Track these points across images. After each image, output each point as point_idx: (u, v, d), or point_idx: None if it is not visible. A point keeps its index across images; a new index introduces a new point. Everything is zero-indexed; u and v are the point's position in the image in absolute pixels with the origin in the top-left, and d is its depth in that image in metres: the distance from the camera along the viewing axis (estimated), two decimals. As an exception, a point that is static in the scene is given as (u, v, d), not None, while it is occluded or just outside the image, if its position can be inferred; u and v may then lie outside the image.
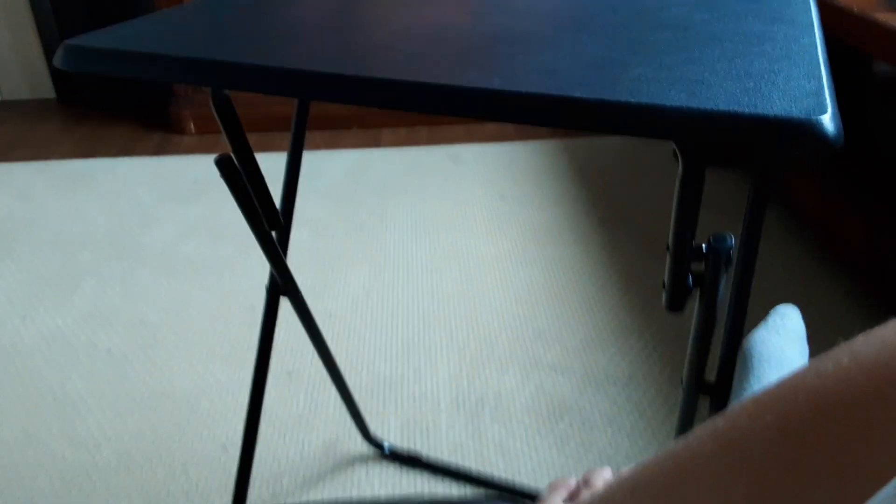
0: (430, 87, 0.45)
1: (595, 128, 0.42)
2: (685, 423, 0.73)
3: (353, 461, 0.99)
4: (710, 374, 0.67)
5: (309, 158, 1.99)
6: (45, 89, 2.58)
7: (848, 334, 0.27)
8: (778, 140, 0.36)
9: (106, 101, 2.49)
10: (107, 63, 0.52)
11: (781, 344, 0.71)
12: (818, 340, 0.62)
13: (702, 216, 0.52)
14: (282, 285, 0.85)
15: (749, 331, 0.69)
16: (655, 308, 1.31)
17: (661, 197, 1.75)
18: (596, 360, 1.18)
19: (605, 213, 1.67)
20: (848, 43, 1.19)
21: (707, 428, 0.28)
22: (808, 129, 0.36)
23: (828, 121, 0.37)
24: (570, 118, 0.41)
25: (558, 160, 1.97)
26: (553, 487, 0.55)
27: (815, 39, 0.51)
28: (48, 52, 2.55)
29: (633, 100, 0.40)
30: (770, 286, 1.37)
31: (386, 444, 1.01)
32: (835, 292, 1.34)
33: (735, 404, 0.28)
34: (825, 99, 0.39)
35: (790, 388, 0.25)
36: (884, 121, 1.62)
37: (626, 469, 0.32)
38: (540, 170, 1.92)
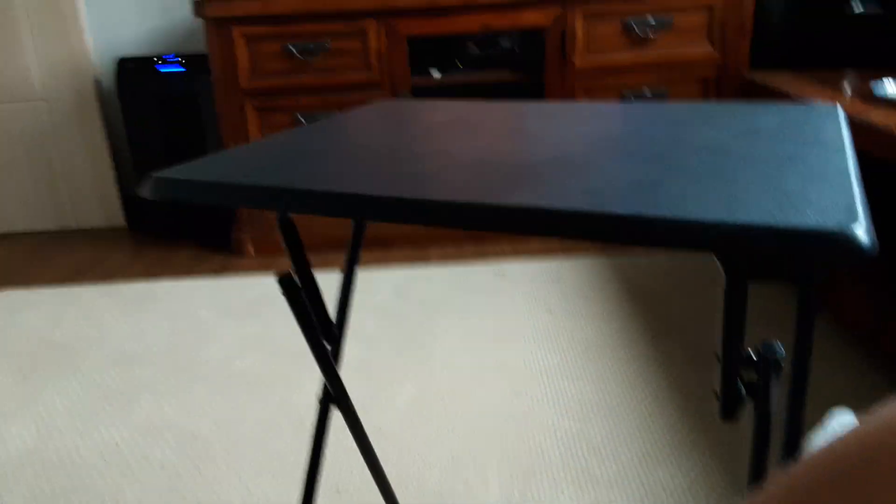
0: (483, 207, 0.49)
1: (634, 242, 0.45)
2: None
3: (404, 583, 0.96)
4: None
5: (359, 276, 2.05)
6: (116, 217, 2.76)
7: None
8: (812, 249, 0.39)
9: (171, 227, 2.65)
10: (190, 192, 0.58)
11: None
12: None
13: (752, 328, 0.53)
14: (334, 396, 0.87)
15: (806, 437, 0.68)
16: (710, 422, 1.28)
17: (709, 309, 1.74)
18: (653, 475, 1.14)
19: (654, 327, 1.67)
20: (881, 157, 1.22)
21: (767, 492, 0.29)
22: (841, 239, 0.38)
23: (860, 230, 0.39)
24: (609, 232, 0.44)
25: (604, 276, 1.99)
26: None
27: (846, 158, 0.54)
28: (121, 183, 2.75)
29: (670, 214, 0.43)
30: (820, 394, 1.32)
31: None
32: (885, 396, 1.29)
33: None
34: (857, 211, 0.41)
35: (843, 443, 0.26)
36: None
37: None
38: (587, 285, 1.94)
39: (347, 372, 1.54)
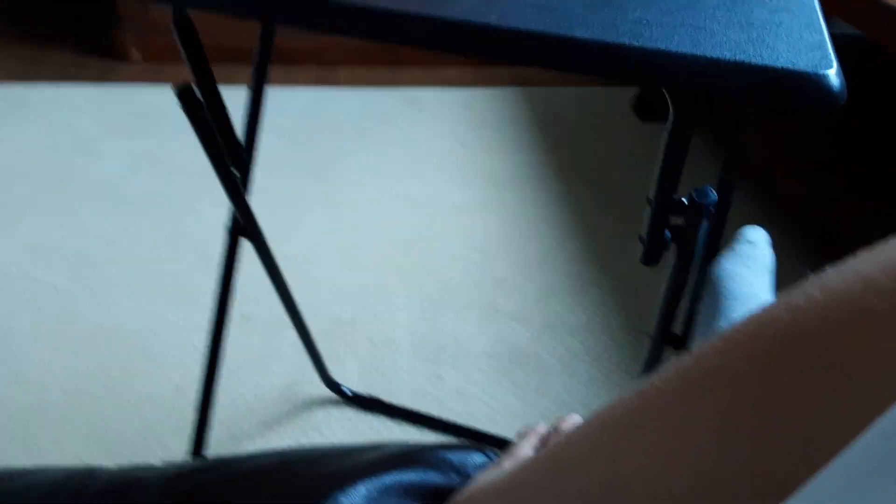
0: (418, 19, 0.42)
1: (595, 72, 0.41)
2: (650, 371, 0.74)
3: (313, 404, 0.98)
4: (676, 328, 0.68)
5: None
6: (-26, 6, 2.39)
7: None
8: (784, 92, 0.36)
9: (45, 20, 2.32)
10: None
11: (749, 277, 0.72)
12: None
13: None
14: (244, 226, 0.82)
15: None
16: (612, 260, 1.33)
17: (618, 149, 1.75)
18: (554, 309, 1.19)
19: (564, 162, 1.67)
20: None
21: (673, 366, 0.27)
22: (815, 82, 0.36)
23: (833, 75, 0.36)
24: (570, 60, 0.39)
25: (517, 108, 1.95)
26: (522, 435, 0.55)
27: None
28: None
29: (636, 43, 0.38)
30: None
31: (346, 388, 1.01)
32: (790, 247, 1.38)
33: (702, 341, 0.28)
34: (829, 52, 0.38)
35: (760, 323, 0.25)
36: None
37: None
38: (500, 117, 1.89)
39: (252, 198, 1.47)
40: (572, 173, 1.63)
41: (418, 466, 0.45)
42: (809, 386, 0.22)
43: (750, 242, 0.79)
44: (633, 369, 1.06)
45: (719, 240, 0.64)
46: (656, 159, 0.51)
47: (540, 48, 0.39)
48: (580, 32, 0.40)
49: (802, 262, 1.35)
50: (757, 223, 1.45)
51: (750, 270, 0.76)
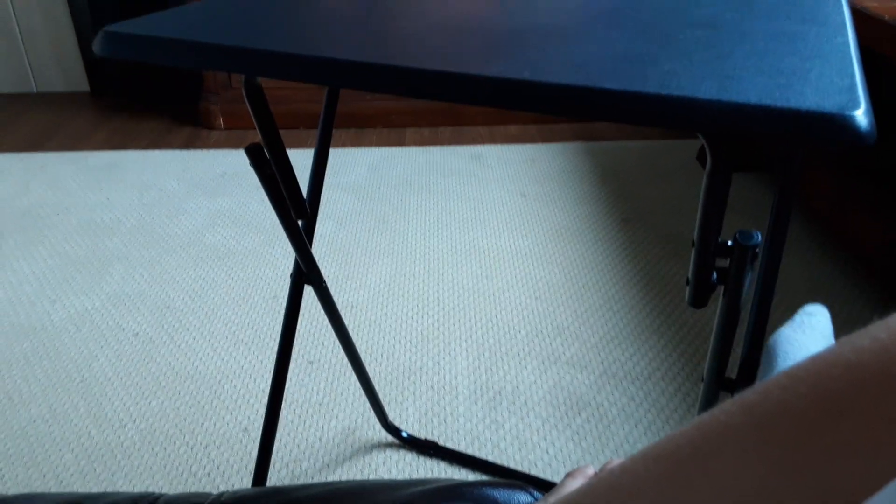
0: (459, 78, 0.46)
1: (624, 120, 0.43)
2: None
3: (372, 447, 1.00)
4: (732, 372, 0.68)
5: (335, 155, 2.01)
6: (79, 82, 2.63)
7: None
8: (810, 133, 0.37)
9: (138, 94, 2.53)
10: (144, 49, 0.53)
11: (807, 343, 0.71)
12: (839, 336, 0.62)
13: (724, 218, 0.52)
14: (306, 273, 0.86)
15: (772, 329, 0.70)
16: (675, 307, 1.31)
17: (682, 199, 1.74)
18: (615, 357, 1.19)
19: (627, 213, 1.67)
20: (878, 50, 1.18)
21: (736, 401, 0.27)
22: (840, 123, 0.37)
23: (861, 115, 0.37)
24: (599, 109, 0.42)
25: (581, 162, 1.97)
26: (572, 475, 0.56)
27: (847, 38, 0.51)
28: (83, 45, 2.60)
29: (663, 92, 0.41)
30: (790, 288, 1.36)
31: (404, 432, 1.02)
32: (851, 291, 1.33)
33: (766, 379, 0.28)
34: (858, 94, 0.39)
35: (825, 362, 0.25)
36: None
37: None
38: (562, 171, 1.92)
39: (321, 250, 1.54)
40: (635, 224, 1.63)
41: (462, 502, 0.46)
42: (870, 426, 0.22)
43: (809, 314, 0.79)
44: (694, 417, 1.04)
45: (774, 282, 0.63)
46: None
47: (568, 99, 0.42)
48: (610, 84, 0.42)
49: (868, 300, 1.30)
50: (821, 266, 1.41)
51: (806, 336, 0.75)
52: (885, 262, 1.25)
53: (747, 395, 0.27)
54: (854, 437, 0.23)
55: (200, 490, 0.92)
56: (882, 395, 0.22)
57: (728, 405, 0.28)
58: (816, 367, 0.25)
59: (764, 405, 0.26)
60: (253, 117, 0.71)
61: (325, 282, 0.88)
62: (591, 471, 0.58)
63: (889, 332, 0.23)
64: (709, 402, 0.68)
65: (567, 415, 1.06)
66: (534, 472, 0.96)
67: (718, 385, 0.66)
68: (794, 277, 1.41)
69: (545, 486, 0.93)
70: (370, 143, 2.14)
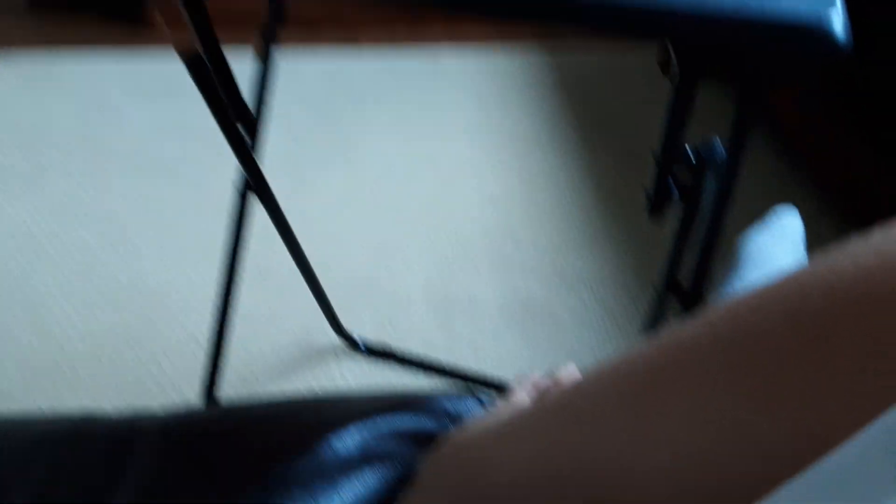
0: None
1: (594, 26, 0.40)
2: (654, 322, 0.74)
3: (325, 354, 1.00)
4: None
5: (284, 58, 1.91)
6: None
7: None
8: (788, 43, 0.35)
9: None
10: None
11: (777, 252, 0.71)
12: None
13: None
14: (251, 182, 0.83)
15: (727, 240, 0.69)
16: (631, 217, 1.31)
17: (642, 112, 1.72)
18: (569, 262, 1.19)
19: (586, 124, 1.65)
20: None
21: (701, 321, 0.25)
22: (817, 32, 0.34)
23: (837, 22, 0.35)
24: (568, 16, 0.39)
25: (542, 71, 1.92)
26: (519, 382, 0.56)
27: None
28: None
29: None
30: (749, 201, 1.37)
31: (358, 338, 1.02)
32: (813, 208, 1.35)
33: (729, 298, 0.26)
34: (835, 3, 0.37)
35: (800, 283, 0.23)
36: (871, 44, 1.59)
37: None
38: (522, 80, 1.87)
39: (272, 161, 1.48)
40: (593, 135, 1.60)
41: (413, 412, 0.45)
42: (856, 351, 0.21)
43: (779, 217, 0.78)
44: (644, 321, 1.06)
45: (730, 194, 0.62)
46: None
47: (539, 5, 0.39)
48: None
49: (829, 219, 1.32)
50: (782, 184, 1.42)
51: (776, 244, 0.75)
52: (849, 180, 1.26)
53: (712, 315, 0.25)
54: (835, 365, 0.21)
55: (153, 402, 0.91)
56: (867, 319, 0.21)
57: (693, 325, 0.25)
58: (791, 287, 0.23)
59: (733, 328, 0.24)
60: (188, 22, 0.65)
61: (270, 191, 0.84)
62: (538, 377, 0.58)
63: (876, 254, 0.22)
64: (658, 306, 0.69)
65: (519, 319, 1.07)
66: (487, 374, 0.98)
67: (669, 290, 0.66)
68: (755, 194, 1.42)
69: (498, 388, 0.95)
70: (322, 43, 2.03)
